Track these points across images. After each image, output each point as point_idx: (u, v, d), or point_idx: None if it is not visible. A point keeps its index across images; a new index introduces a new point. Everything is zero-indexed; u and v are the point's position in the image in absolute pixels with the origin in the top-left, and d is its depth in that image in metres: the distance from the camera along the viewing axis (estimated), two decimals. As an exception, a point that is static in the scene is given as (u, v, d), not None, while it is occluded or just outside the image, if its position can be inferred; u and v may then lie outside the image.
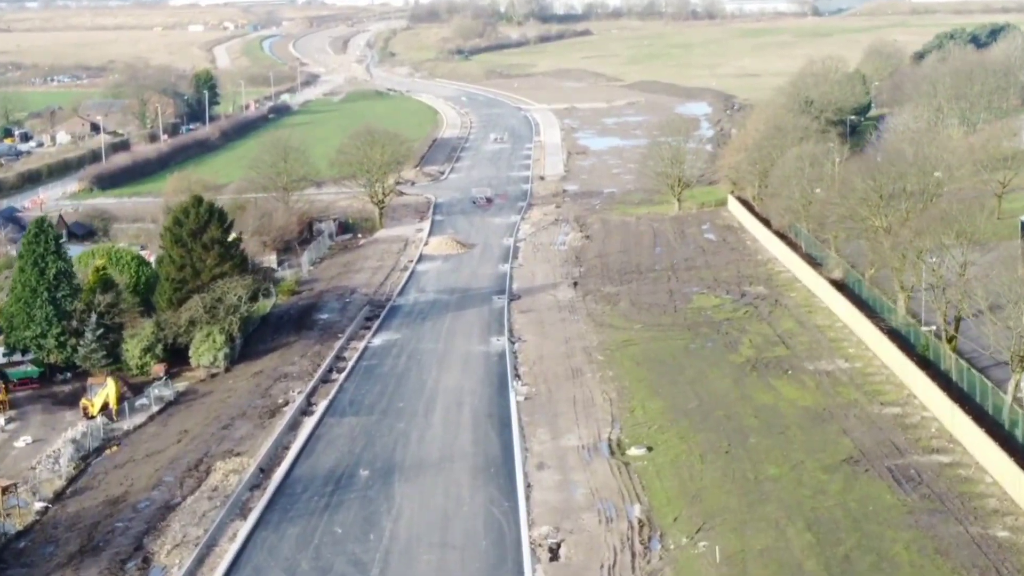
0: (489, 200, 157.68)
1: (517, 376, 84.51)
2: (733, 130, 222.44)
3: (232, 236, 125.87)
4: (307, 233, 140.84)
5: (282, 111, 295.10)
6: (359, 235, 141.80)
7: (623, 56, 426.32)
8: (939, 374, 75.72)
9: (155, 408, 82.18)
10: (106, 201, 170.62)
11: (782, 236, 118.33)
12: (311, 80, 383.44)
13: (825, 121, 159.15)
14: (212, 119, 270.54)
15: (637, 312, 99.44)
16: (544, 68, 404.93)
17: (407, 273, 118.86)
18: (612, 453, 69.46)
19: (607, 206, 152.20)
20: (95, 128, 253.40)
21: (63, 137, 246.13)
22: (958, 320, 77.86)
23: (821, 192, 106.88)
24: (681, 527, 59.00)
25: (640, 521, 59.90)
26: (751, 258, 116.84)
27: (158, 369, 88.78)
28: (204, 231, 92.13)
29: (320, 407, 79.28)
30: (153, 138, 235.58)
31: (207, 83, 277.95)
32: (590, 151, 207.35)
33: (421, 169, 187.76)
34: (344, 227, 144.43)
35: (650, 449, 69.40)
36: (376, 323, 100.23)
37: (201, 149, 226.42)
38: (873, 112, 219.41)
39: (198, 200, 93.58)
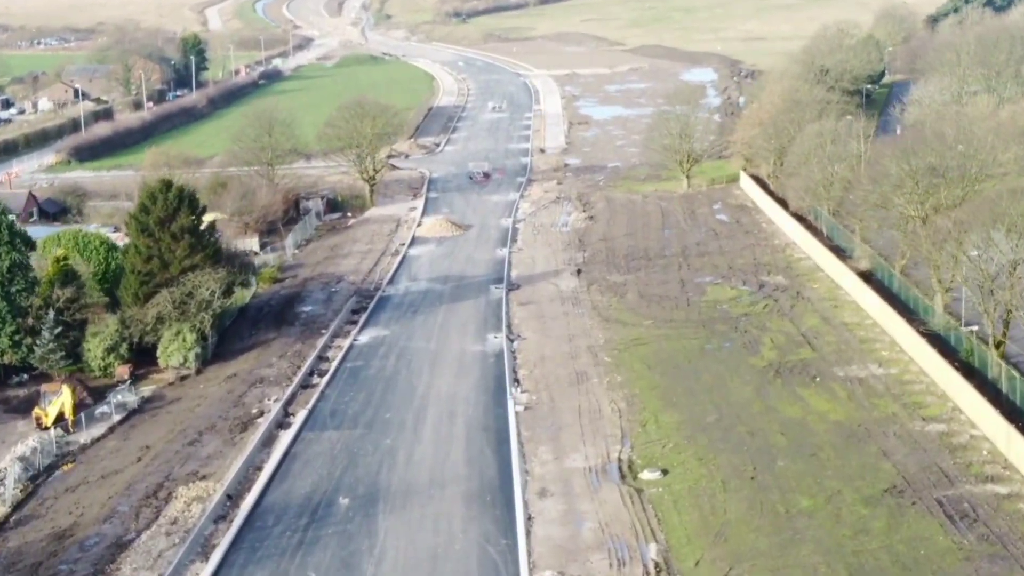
0: (487, 175, 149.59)
1: (516, 381, 76.98)
2: (741, 98, 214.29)
3: (206, 222, 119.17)
4: (293, 212, 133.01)
5: (273, 77, 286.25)
6: (349, 214, 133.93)
7: (624, 19, 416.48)
8: (986, 384, 68.20)
9: (116, 418, 74.65)
10: (83, 175, 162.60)
11: (800, 219, 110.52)
12: (304, 44, 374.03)
13: (841, 91, 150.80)
14: (200, 85, 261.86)
15: (647, 305, 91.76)
16: (543, 31, 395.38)
17: (398, 258, 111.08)
18: (623, 477, 62.01)
19: (611, 182, 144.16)
20: (79, 95, 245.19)
21: (45, 104, 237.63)
22: (1007, 322, 70.27)
23: (844, 172, 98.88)
24: (704, 573, 51.65)
25: (657, 565, 52.55)
26: (768, 243, 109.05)
27: (123, 371, 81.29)
28: (173, 219, 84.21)
29: (298, 418, 71.75)
30: (138, 105, 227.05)
31: (195, 48, 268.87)
32: (592, 121, 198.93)
33: (416, 141, 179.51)
34: (333, 205, 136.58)
35: (665, 472, 61.93)
36: (363, 317, 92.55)
37: (187, 117, 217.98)
38: (887, 79, 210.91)
39: (167, 184, 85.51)
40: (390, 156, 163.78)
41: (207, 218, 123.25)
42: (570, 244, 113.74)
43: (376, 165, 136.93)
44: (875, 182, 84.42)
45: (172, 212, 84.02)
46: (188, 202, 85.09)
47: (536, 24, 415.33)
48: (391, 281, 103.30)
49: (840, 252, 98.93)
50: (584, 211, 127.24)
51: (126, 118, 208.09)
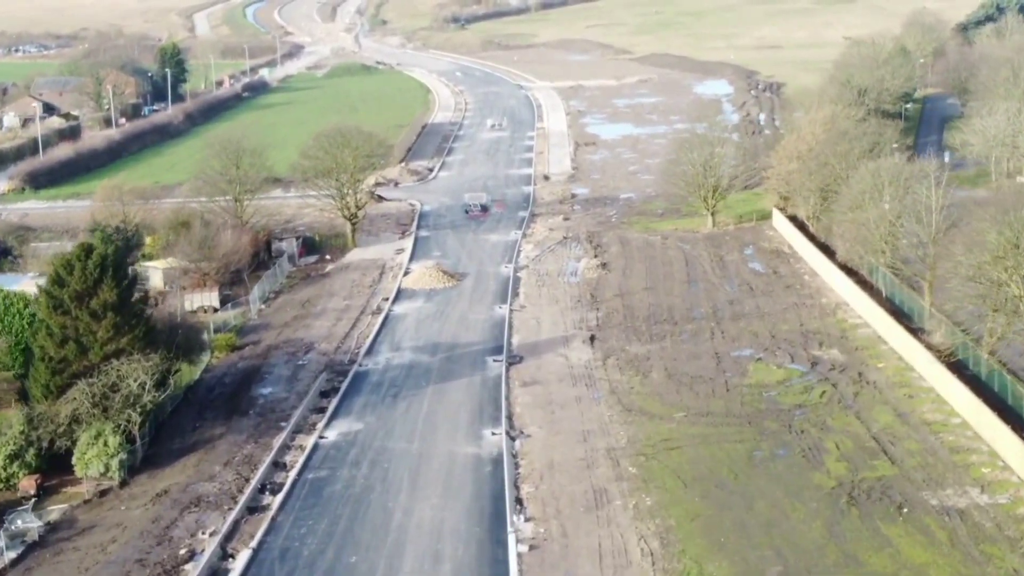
0: (484, 209, 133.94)
1: (518, 503, 61.46)
2: (761, 115, 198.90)
3: (161, 270, 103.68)
4: (264, 254, 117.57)
5: (258, 89, 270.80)
6: (327, 256, 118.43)
7: (631, 25, 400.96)
8: None
9: (8, 557, 59.05)
10: (35, 206, 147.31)
11: (850, 271, 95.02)
12: (295, 51, 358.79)
13: (882, 114, 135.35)
14: (179, 98, 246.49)
15: (676, 389, 76.22)
16: (546, 38, 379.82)
17: (380, 319, 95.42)
18: (662, 670, 46.57)
19: (625, 218, 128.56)
20: (49, 109, 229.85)
21: (11, 120, 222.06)
22: None
23: (912, 224, 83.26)
24: None
25: None
26: (814, 302, 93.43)
27: (28, 484, 65.84)
28: (94, 293, 68.60)
29: (238, 563, 56.24)
30: (109, 122, 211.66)
31: (173, 58, 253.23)
32: (600, 141, 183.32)
33: (407, 165, 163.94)
34: (310, 246, 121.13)
35: (719, 663, 46.50)
36: (334, 402, 77.04)
37: (161, 136, 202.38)
38: (917, 93, 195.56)
39: (86, 250, 69.72)
40: (377, 184, 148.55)
41: (162, 265, 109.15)
42: (581, 300, 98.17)
43: (358, 201, 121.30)
44: (968, 250, 68.76)
45: (92, 284, 68.38)
46: (113, 271, 69.37)
47: (538, 30, 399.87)
48: (370, 351, 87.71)
49: (905, 318, 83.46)
50: (596, 256, 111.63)
51: (91, 138, 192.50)
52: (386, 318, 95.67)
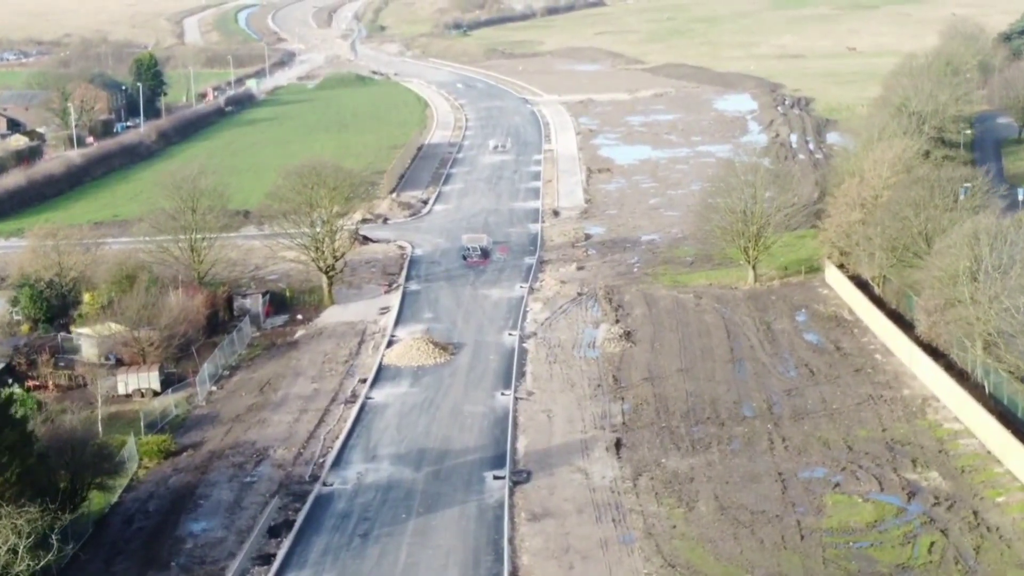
0: (485, 254, 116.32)
1: None
2: (792, 135, 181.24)
3: (100, 336, 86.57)
4: (225, 313, 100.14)
5: (243, 102, 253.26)
6: (299, 317, 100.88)
7: (642, 32, 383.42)
8: None
9: None
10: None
11: (934, 350, 77.46)
12: (287, 60, 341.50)
13: (944, 143, 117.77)
14: (157, 113, 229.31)
15: (732, 532, 58.62)
16: (553, 46, 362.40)
17: (354, 410, 77.82)
18: None
19: (649, 267, 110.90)
20: (15, 125, 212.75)
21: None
22: None
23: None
24: None
25: None
26: (894, 394, 75.72)
27: None
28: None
29: None
30: (77, 141, 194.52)
31: (150, 69, 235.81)
32: (615, 166, 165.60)
33: (398, 197, 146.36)
34: (279, 302, 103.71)
35: None
36: (284, 546, 59.51)
37: (129, 158, 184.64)
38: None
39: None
40: (364, 221, 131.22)
41: (97, 332, 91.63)
42: (601, 384, 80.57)
43: (336, 251, 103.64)
44: None
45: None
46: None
47: (544, 38, 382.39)
48: (338, 460, 70.14)
49: (1016, 423, 65.86)
50: (617, 321, 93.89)
51: (49, 161, 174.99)
52: (361, 409, 78.10)
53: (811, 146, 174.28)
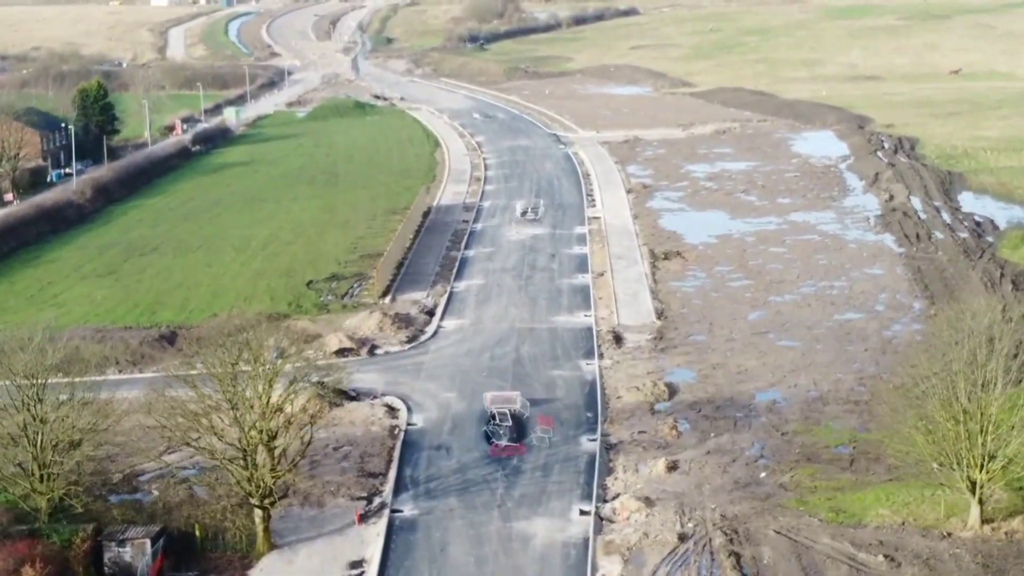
0: (518, 433, 76.15)
1: None
2: (911, 198, 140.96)
3: None
4: (91, 566, 60.65)
5: (216, 139, 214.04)
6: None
7: (684, 46, 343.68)
8: None
9: None
10: None
11: None
12: (277, 80, 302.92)
13: None
14: (112, 154, 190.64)
15: None
16: (582, 63, 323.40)
17: None
18: None
19: (781, 466, 70.60)
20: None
21: None
22: None
23: None
24: None
25: None
26: None
27: None
28: None
29: None
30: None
31: (97, 103, 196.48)
32: (686, 246, 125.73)
33: (393, 304, 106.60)
34: (183, 547, 63.84)
35: None
36: None
37: (52, 224, 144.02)
38: None
39: None
40: (343, 352, 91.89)
41: None
42: None
43: (275, 468, 63.22)
44: None
45: None
46: None
47: (572, 53, 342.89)
48: None
49: None
50: (761, 623, 53.98)
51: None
52: None
53: (945, 215, 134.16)
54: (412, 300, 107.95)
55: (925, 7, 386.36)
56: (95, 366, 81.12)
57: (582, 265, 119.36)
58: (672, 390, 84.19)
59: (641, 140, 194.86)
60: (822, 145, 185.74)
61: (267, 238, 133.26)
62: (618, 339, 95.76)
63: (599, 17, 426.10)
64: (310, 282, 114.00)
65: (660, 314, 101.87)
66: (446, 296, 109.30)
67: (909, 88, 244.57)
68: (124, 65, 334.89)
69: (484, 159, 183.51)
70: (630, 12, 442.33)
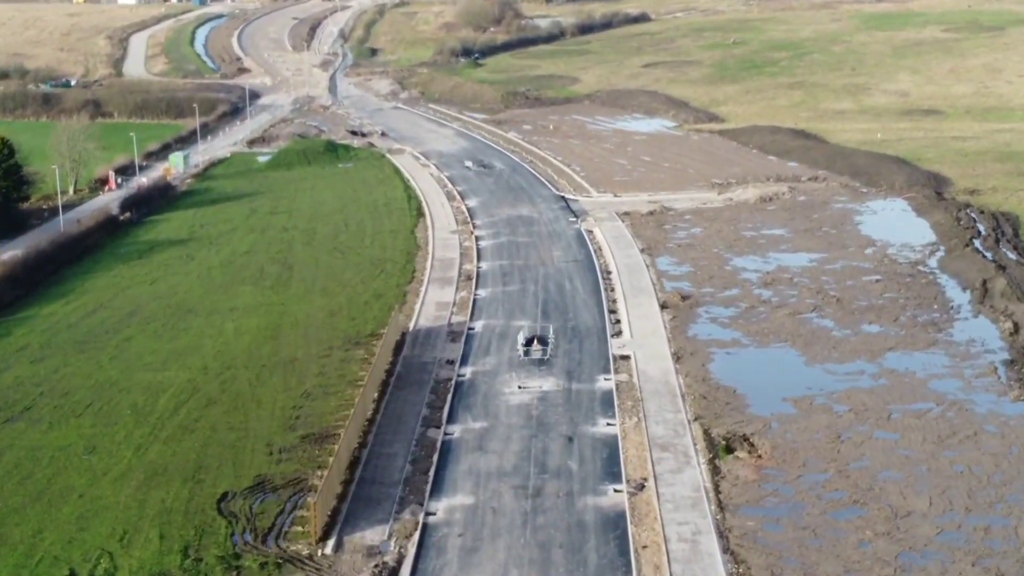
0: None
1: None
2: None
3: None
4: None
5: (154, 200, 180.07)
6: None
7: (705, 64, 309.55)
8: None
9: None
10: None
11: None
12: (241, 106, 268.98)
13: None
14: (18, 226, 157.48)
15: None
16: (590, 84, 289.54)
17: None
18: None
19: None
20: None
21: None
22: None
23: None
24: None
25: None
26: None
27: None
28: None
29: None
30: None
31: (1, 165, 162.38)
32: (752, 417, 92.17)
33: (335, 561, 72.90)
34: None
35: None
36: None
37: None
38: None
39: None
40: None
41: None
42: None
43: None
44: None
45: None
46: None
47: (578, 71, 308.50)
48: None
49: None
50: None
51: None
52: None
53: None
54: (366, 546, 74.21)
55: (972, 16, 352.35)
56: None
57: (612, 462, 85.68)
58: None
59: (669, 211, 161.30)
60: (898, 224, 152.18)
61: (181, 391, 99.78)
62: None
63: (607, 25, 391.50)
64: (223, 497, 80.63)
65: (732, 552, 68.29)
66: (416, 537, 75.49)
67: (980, 129, 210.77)
68: (73, 84, 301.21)
69: (477, 240, 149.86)
70: (640, 18, 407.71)
